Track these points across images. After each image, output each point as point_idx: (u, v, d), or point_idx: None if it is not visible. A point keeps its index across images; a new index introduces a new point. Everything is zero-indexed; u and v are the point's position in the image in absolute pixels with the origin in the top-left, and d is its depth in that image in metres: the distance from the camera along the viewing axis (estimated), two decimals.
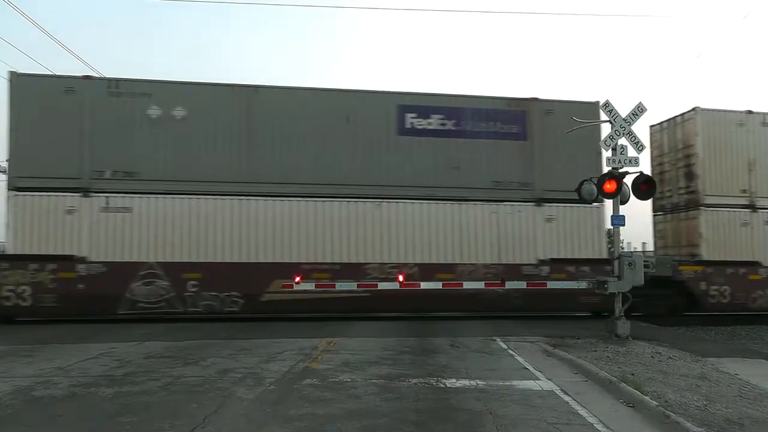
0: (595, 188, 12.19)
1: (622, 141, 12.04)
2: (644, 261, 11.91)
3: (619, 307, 11.69)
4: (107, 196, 15.20)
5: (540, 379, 8.23)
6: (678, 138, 18.42)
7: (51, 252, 14.92)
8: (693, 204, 17.68)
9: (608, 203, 12.89)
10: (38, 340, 11.65)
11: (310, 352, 10.44)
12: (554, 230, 16.51)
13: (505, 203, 16.46)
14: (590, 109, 15.74)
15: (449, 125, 16.50)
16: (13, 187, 15.05)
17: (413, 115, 16.42)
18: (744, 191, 17.57)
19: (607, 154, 12.12)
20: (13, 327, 14.33)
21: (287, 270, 15.08)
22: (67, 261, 15.01)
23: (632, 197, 12.34)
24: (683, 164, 18.19)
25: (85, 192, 15.11)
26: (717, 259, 17.23)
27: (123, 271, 15.06)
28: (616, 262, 11.92)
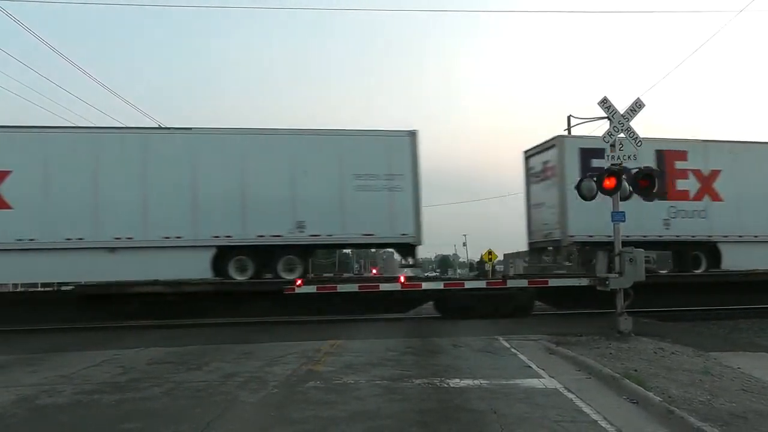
0: (594, 185, 12.21)
1: (621, 137, 12.08)
2: (645, 256, 11.91)
3: (621, 304, 11.69)
4: None
5: (543, 377, 8.23)
6: None
7: None
8: None
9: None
10: (42, 349, 11.64)
11: (313, 354, 10.44)
12: None
13: None
14: None
15: None
16: None
17: None
18: None
19: (605, 150, 12.12)
20: (15, 334, 14.33)
21: None
22: None
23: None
24: None
25: None
26: None
27: None
28: (617, 258, 11.92)
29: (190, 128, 16.40)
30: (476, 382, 7.94)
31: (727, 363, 8.90)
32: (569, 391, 7.35)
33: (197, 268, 15.86)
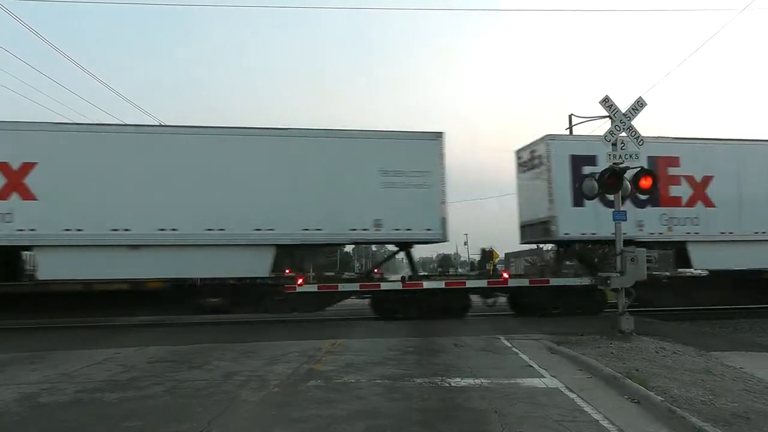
0: (596, 184, 12.20)
1: (623, 136, 12.06)
2: (647, 256, 11.90)
3: (622, 303, 11.68)
4: None
5: (545, 377, 8.23)
6: None
7: None
8: None
9: None
10: (42, 347, 11.64)
11: (314, 353, 10.44)
12: None
13: None
14: None
15: None
16: None
17: None
18: None
19: (607, 149, 12.10)
20: (16, 334, 14.34)
21: None
22: None
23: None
24: None
25: None
26: None
27: None
28: (618, 258, 11.90)
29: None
30: (477, 381, 7.94)
31: (729, 363, 8.89)
32: (571, 390, 7.35)
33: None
